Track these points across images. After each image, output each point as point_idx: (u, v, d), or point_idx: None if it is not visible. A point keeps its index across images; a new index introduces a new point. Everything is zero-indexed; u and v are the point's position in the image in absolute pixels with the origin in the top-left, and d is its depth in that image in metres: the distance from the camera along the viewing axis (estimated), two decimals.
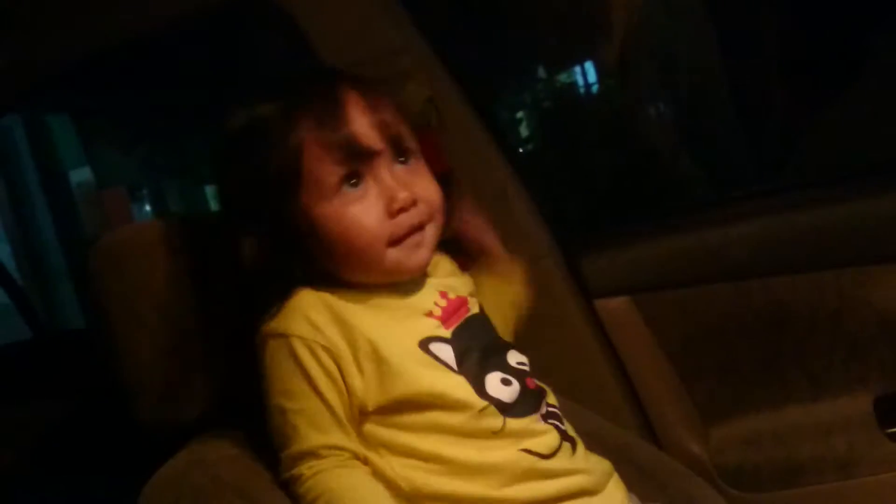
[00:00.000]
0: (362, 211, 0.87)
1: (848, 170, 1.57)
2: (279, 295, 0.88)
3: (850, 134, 1.72)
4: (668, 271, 1.45)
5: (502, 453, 0.86)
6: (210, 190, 4.61)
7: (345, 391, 0.86)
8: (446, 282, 0.98)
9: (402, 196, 0.88)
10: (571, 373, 1.03)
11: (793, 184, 1.63)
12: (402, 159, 0.91)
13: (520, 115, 3.24)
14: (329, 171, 0.86)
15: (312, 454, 0.84)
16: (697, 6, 2.15)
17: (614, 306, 1.47)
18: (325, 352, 0.85)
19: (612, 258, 1.49)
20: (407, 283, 0.93)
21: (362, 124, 0.87)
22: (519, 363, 0.95)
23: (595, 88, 3.01)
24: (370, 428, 0.87)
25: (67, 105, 4.68)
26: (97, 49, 1.53)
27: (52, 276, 4.72)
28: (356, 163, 0.87)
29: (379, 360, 0.86)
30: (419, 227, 0.90)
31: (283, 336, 0.86)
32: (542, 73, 3.21)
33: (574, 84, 3.20)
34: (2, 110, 1.74)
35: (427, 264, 0.93)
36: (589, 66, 3.00)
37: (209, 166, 0.95)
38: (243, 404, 0.95)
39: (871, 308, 1.37)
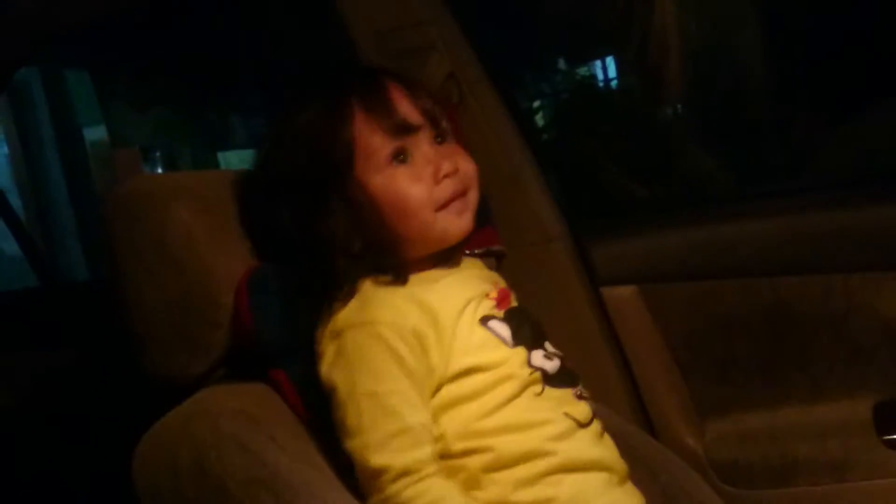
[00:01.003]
0: (411, 179, 0.96)
1: (865, 175, 1.57)
2: (346, 286, 0.94)
3: (871, 140, 1.71)
4: (676, 264, 1.45)
5: (547, 413, 0.94)
6: (223, 156, 4.61)
7: (429, 370, 0.92)
8: (491, 275, 1.09)
9: (446, 164, 0.97)
10: (573, 356, 1.03)
11: (807, 186, 1.63)
12: (440, 139, 1.00)
13: (537, 104, 3.24)
14: (380, 146, 0.95)
15: (403, 431, 0.88)
16: (725, 9, 2.14)
17: (620, 295, 1.48)
18: (412, 336, 0.91)
19: (622, 247, 1.50)
20: (464, 269, 1.03)
21: (405, 106, 0.97)
22: (556, 350, 1.02)
23: (615, 83, 3.00)
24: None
25: (86, 61, 4.67)
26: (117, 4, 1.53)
27: (60, 232, 4.73)
28: (402, 139, 0.96)
29: (451, 335, 0.93)
30: (462, 193, 0.98)
31: (369, 324, 0.91)
32: (562, 64, 3.20)
33: (594, 77, 3.19)
34: (19, 62, 1.73)
35: (470, 229, 1.00)
36: (610, 62, 3.00)
37: (267, 146, 1.01)
38: (249, 360, 0.96)
39: (877, 314, 1.37)
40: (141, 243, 0.95)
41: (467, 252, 1.34)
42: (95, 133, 4.87)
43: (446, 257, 1.02)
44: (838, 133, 1.83)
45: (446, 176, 0.96)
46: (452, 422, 0.92)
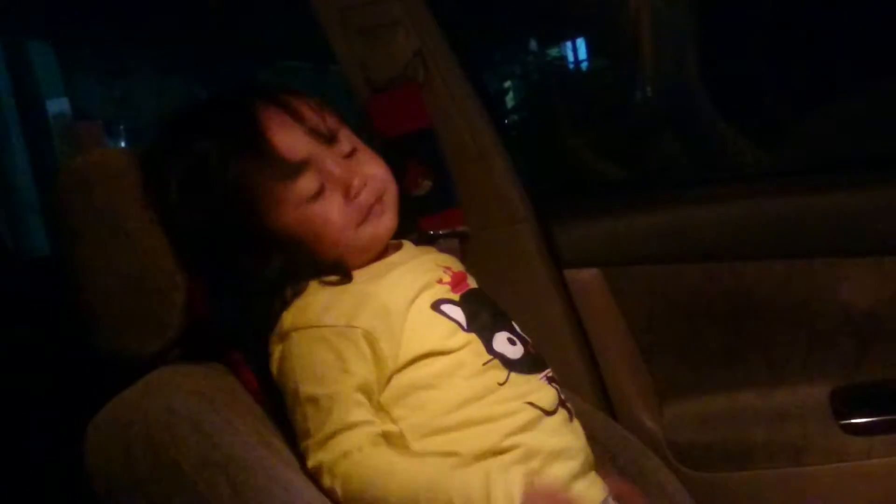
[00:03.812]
0: (325, 207, 0.94)
1: (829, 163, 1.58)
2: (290, 290, 0.93)
3: (835, 126, 1.72)
4: (639, 247, 1.45)
5: (509, 405, 0.91)
6: None
7: (377, 367, 0.90)
8: (445, 259, 1.06)
9: (356, 181, 0.95)
10: (535, 337, 1.03)
11: (771, 171, 1.64)
12: (345, 151, 0.97)
13: (507, 84, 3.23)
14: (278, 188, 0.92)
15: (344, 429, 0.87)
16: None
17: (584, 277, 1.47)
18: (359, 335, 0.90)
19: (586, 230, 1.49)
20: (415, 257, 1.02)
21: (289, 137, 0.93)
22: (520, 332, 1.01)
23: (585, 66, 3.01)
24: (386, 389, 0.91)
25: (49, 32, 4.58)
26: None
27: (21, 207, 4.65)
28: (299, 173, 0.93)
29: (401, 325, 0.91)
30: (378, 199, 0.98)
31: (314, 327, 0.90)
32: (533, 45, 3.19)
33: (564, 59, 3.19)
34: None
35: (395, 225, 1.00)
36: (580, 44, 2.99)
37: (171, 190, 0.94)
38: (205, 340, 0.94)
39: (838, 300, 1.38)
40: (93, 218, 0.93)
41: (431, 233, 1.34)
42: (58, 105, 4.78)
43: (388, 247, 1.02)
44: (804, 119, 1.84)
45: (357, 194, 0.95)
46: (412, 415, 0.90)
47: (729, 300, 1.41)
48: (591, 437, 1.03)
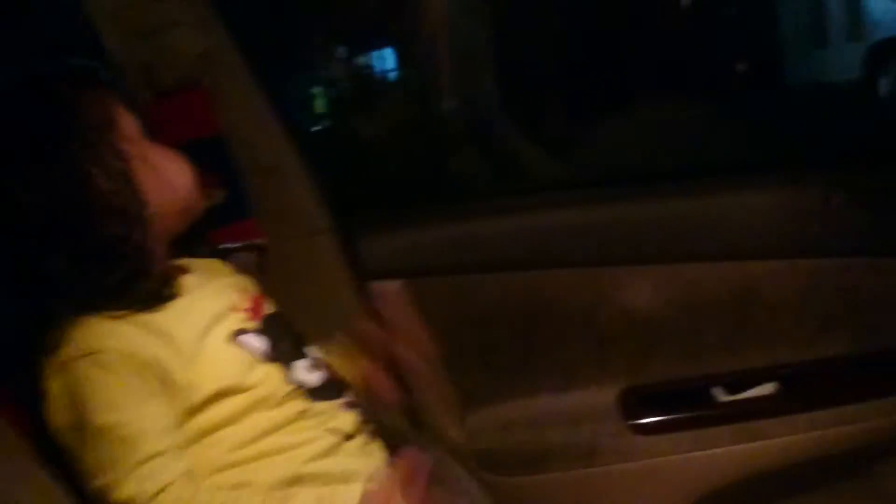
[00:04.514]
0: None
1: (614, 176, 1.66)
2: (60, 323, 0.84)
3: (621, 142, 1.82)
4: (438, 258, 1.47)
5: (309, 433, 0.90)
6: None
7: (175, 392, 0.84)
8: (239, 281, 1.01)
9: None
10: (339, 352, 1.01)
11: (559, 183, 1.70)
12: None
13: (315, 90, 3.18)
14: None
15: (155, 456, 0.80)
16: (493, 10, 2.19)
17: (388, 289, 1.46)
18: (143, 364, 0.83)
19: (388, 241, 1.49)
20: (206, 281, 0.95)
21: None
22: (320, 357, 0.99)
23: (393, 75, 3.02)
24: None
25: None
26: None
27: None
28: None
29: (192, 359, 0.85)
30: None
31: (97, 352, 0.82)
32: (342, 52, 3.17)
33: (371, 68, 3.19)
34: None
35: None
36: (389, 53, 3.01)
37: None
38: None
39: (621, 306, 1.45)
40: None
41: (223, 247, 1.28)
42: None
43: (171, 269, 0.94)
44: (593, 132, 1.93)
45: None
46: (205, 454, 0.85)
47: (523, 308, 1.46)
48: (394, 450, 1.02)
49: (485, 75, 2.07)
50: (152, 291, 0.88)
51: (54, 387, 0.83)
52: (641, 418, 1.44)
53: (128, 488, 0.79)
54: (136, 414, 0.82)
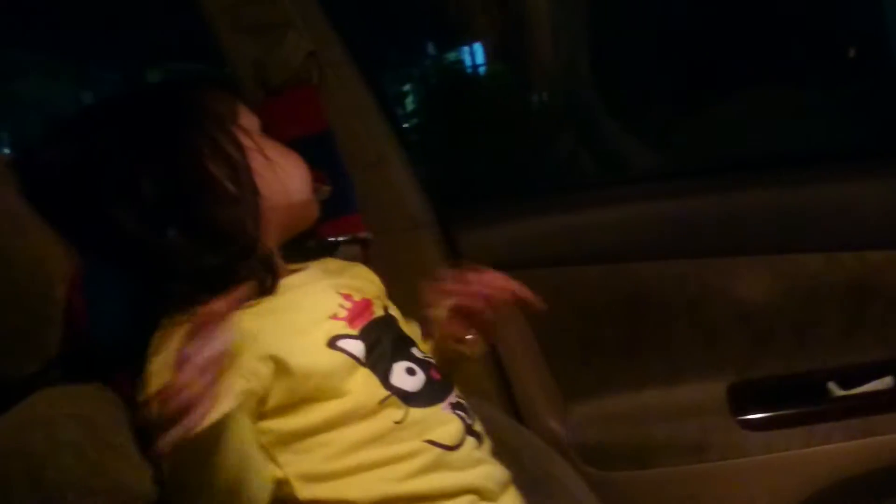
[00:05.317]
0: None
1: (719, 164, 1.62)
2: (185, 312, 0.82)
3: (727, 129, 1.77)
4: (539, 250, 1.46)
5: (405, 445, 0.86)
6: None
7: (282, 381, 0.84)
8: (350, 283, 0.99)
9: None
10: None
11: (663, 173, 1.67)
12: None
13: (406, 87, 3.21)
14: None
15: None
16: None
17: None
18: (252, 371, 0.82)
19: (488, 234, 1.49)
20: (305, 283, 0.95)
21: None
22: (425, 356, 0.96)
23: (482, 70, 3.01)
24: (269, 424, 0.84)
25: None
26: None
27: None
28: None
29: (285, 368, 0.84)
30: None
31: None
32: (432, 49, 3.19)
33: (462, 63, 3.19)
34: None
35: None
36: (478, 48, 3.00)
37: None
38: (85, 361, 0.89)
39: (730, 298, 1.42)
40: None
41: (331, 240, 1.30)
42: None
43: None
44: (696, 121, 1.89)
45: None
46: (298, 461, 0.84)
47: (627, 300, 1.44)
48: (500, 443, 1.02)
49: (582, 64, 2.05)
50: (259, 279, 0.89)
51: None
52: (751, 414, 1.41)
53: None
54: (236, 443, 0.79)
